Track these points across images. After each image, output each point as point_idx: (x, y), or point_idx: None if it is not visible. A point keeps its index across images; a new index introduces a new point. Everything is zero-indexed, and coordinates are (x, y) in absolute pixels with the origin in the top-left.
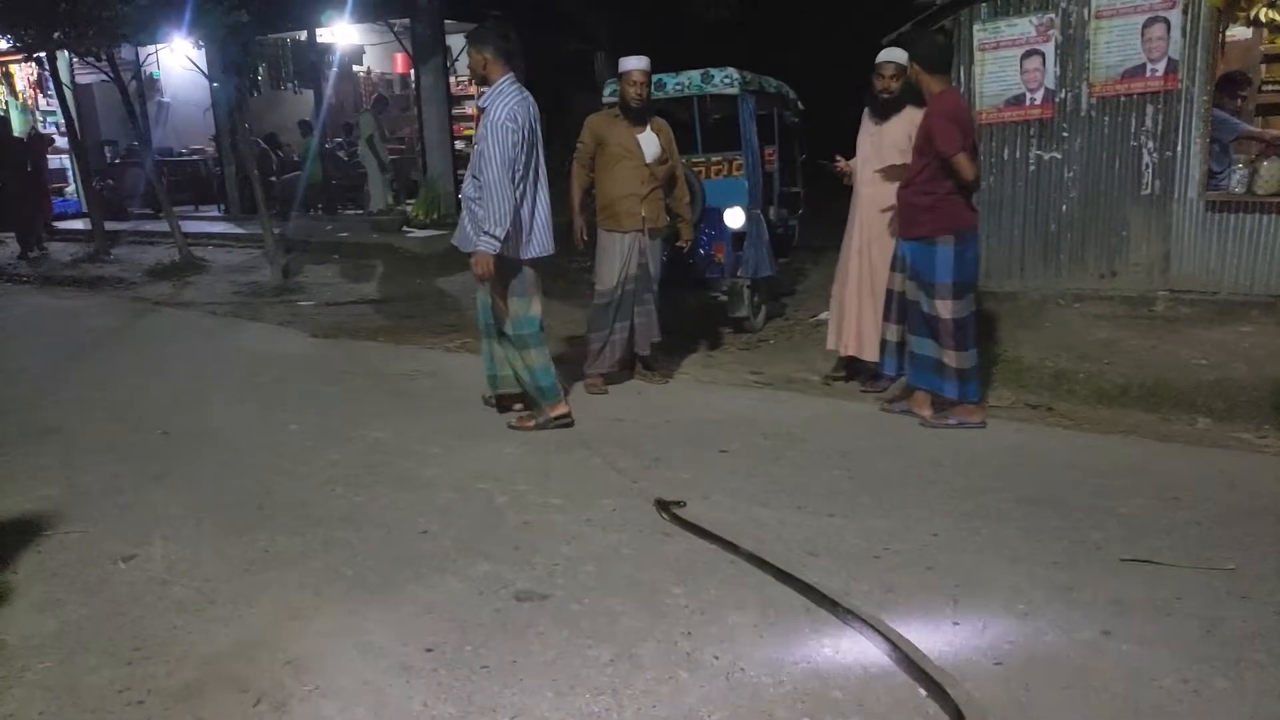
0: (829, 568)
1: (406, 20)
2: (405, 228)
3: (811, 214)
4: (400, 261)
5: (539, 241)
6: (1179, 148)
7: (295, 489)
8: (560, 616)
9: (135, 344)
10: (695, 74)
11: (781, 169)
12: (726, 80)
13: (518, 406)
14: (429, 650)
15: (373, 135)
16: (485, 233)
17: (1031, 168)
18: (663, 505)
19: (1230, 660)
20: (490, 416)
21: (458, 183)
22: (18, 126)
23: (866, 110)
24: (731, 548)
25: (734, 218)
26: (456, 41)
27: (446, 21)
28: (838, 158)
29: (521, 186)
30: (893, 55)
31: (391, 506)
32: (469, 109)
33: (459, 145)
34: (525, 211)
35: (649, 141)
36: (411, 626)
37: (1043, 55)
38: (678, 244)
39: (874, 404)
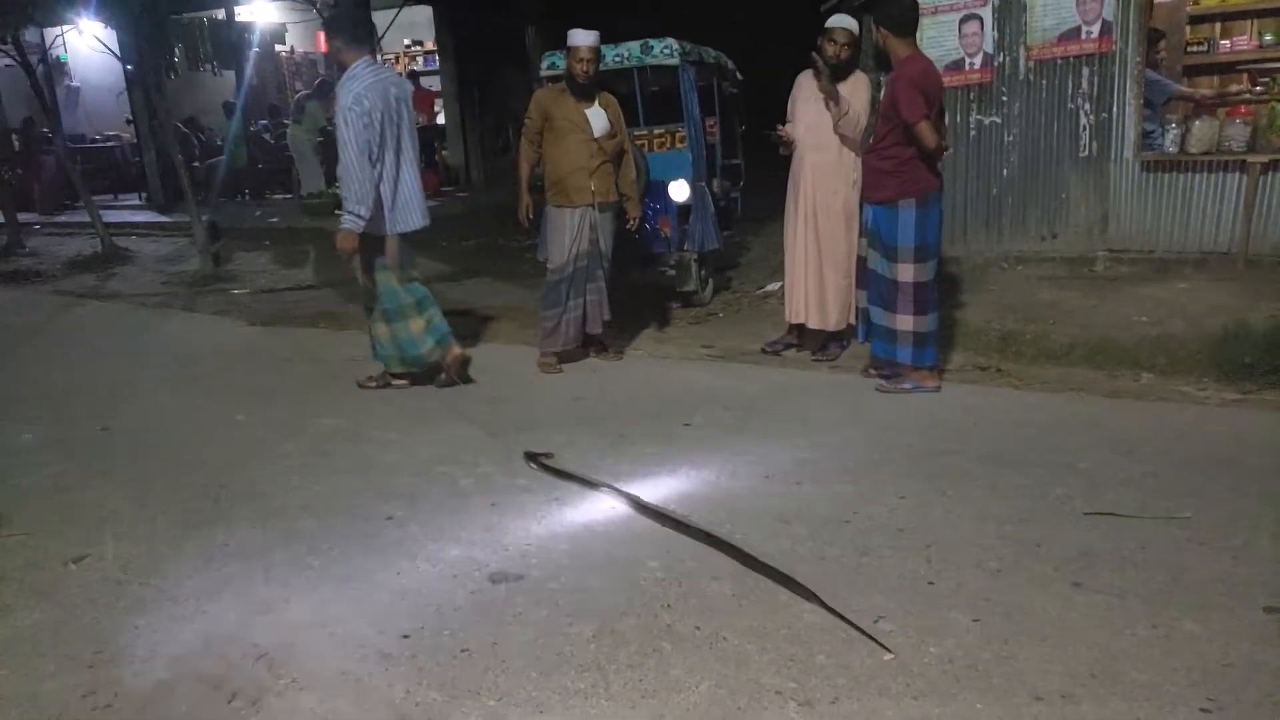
0: (801, 534)
1: None
2: (337, 211)
3: (751, 186)
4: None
5: (404, 216)
6: (1114, 109)
7: (250, 481)
8: (538, 596)
9: (62, 339)
10: (634, 45)
11: (722, 140)
12: (666, 51)
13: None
14: (406, 636)
15: (324, 126)
16: (348, 211)
17: (972, 133)
18: (531, 457)
19: (1195, 604)
20: (443, 400)
21: None
22: None
23: (804, 75)
24: (623, 496)
25: (679, 191)
26: (383, 18)
27: None
28: (779, 126)
29: (379, 165)
30: (844, 22)
31: (352, 494)
32: None
33: None
34: (386, 189)
35: (597, 116)
36: (386, 614)
37: (981, 19)
38: (625, 223)
39: (828, 372)
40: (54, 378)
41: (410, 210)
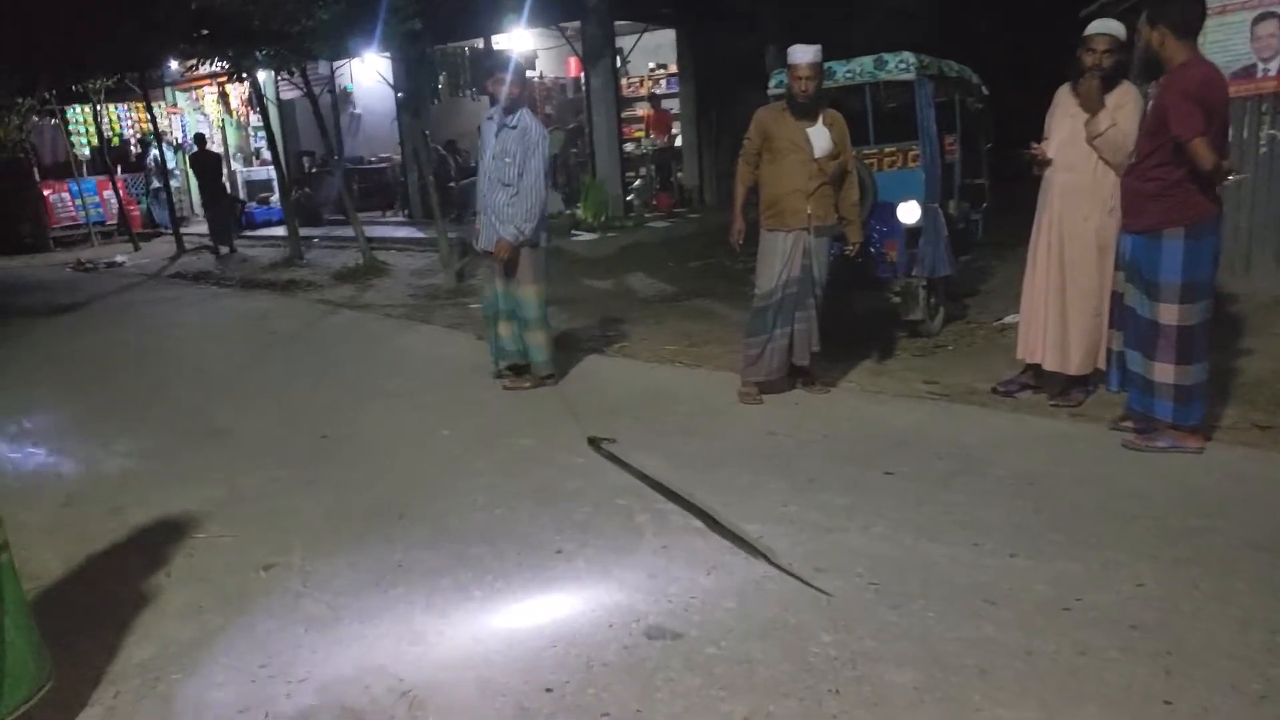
0: (1007, 619)
1: (577, 23)
2: (574, 231)
3: (999, 207)
4: (567, 264)
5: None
6: None
7: (437, 498)
8: (693, 660)
9: (311, 346)
10: (868, 60)
11: (964, 159)
12: (902, 65)
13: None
14: (549, 690)
15: (557, 155)
16: (516, 227)
17: (1263, 149)
18: (594, 442)
19: None
20: (641, 426)
21: (625, 185)
22: (232, 142)
23: (1064, 88)
24: (670, 495)
25: (908, 212)
26: (627, 43)
27: (616, 23)
28: (1033, 144)
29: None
30: (1107, 27)
31: (529, 521)
32: (639, 110)
33: (628, 147)
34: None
35: (819, 135)
36: (534, 661)
37: (1279, 18)
38: (845, 249)
39: (1068, 421)
40: (294, 384)
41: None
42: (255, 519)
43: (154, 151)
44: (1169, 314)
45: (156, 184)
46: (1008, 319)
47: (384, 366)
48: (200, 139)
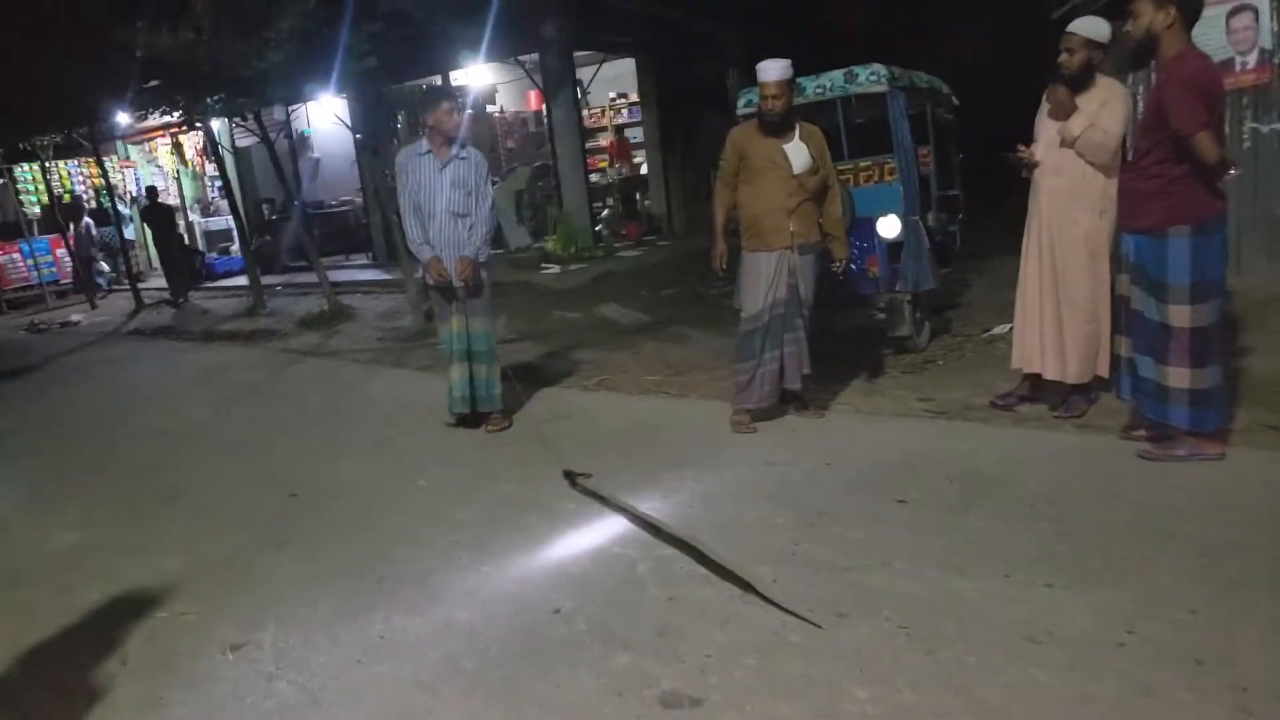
0: (1057, 660)
1: (536, 56)
2: (543, 264)
3: (973, 218)
4: (539, 297)
5: None
6: None
7: (419, 556)
8: None
9: (276, 397)
10: (838, 74)
11: (938, 170)
12: (873, 78)
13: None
14: None
15: (523, 190)
16: (490, 250)
17: (1246, 144)
18: (570, 477)
19: None
20: (631, 463)
21: (593, 215)
22: (189, 193)
23: (1049, 92)
24: (672, 539)
25: (888, 227)
26: (586, 73)
27: (576, 54)
28: (1020, 147)
29: None
30: (1081, 26)
31: (520, 578)
32: (602, 140)
33: (593, 178)
34: None
35: (797, 151)
36: None
37: (1255, 10)
38: (832, 266)
39: (1075, 433)
40: (258, 438)
41: None
42: (221, 591)
43: (86, 219)
44: (1180, 316)
45: (91, 252)
46: (996, 330)
47: (353, 415)
48: (152, 191)
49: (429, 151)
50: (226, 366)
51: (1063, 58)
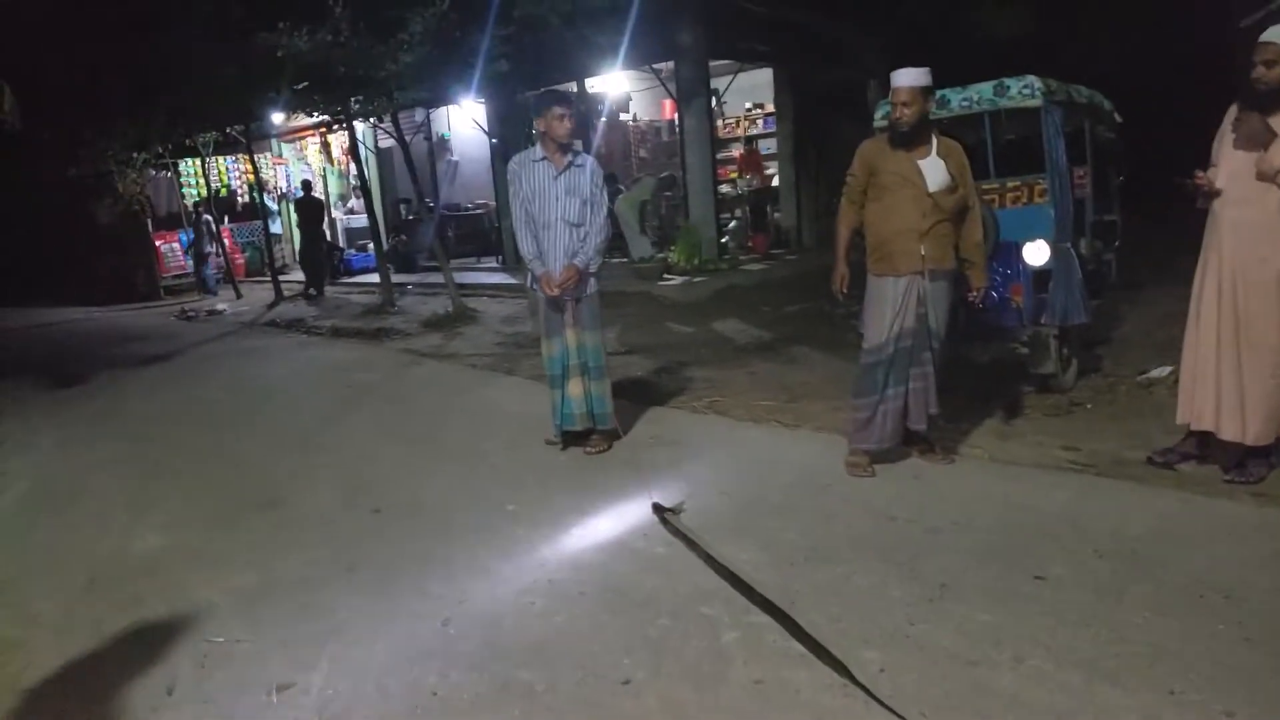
0: None
1: (671, 64)
2: (665, 275)
3: (1129, 244)
4: (657, 309)
5: None
6: None
7: (491, 598)
8: None
9: (389, 400)
10: (987, 86)
11: (1094, 193)
12: (1026, 91)
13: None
14: None
15: (647, 200)
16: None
17: None
18: (659, 510)
19: None
20: (732, 502)
21: (720, 228)
22: (334, 190)
23: (1233, 112)
24: (766, 605)
25: (1036, 253)
26: (722, 83)
27: (712, 63)
28: (1198, 173)
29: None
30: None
31: (593, 634)
32: (735, 151)
33: (723, 189)
34: None
35: (933, 168)
36: None
37: None
38: (969, 295)
39: (1252, 504)
40: (359, 446)
41: None
42: (282, 618)
43: (205, 215)
44: None
45: (209, 249)
46: (1154, 373)
47: (458, 423)
48: (307, 185)
49: (544, 158)
50: (348, 365)
51: (1258, 71)
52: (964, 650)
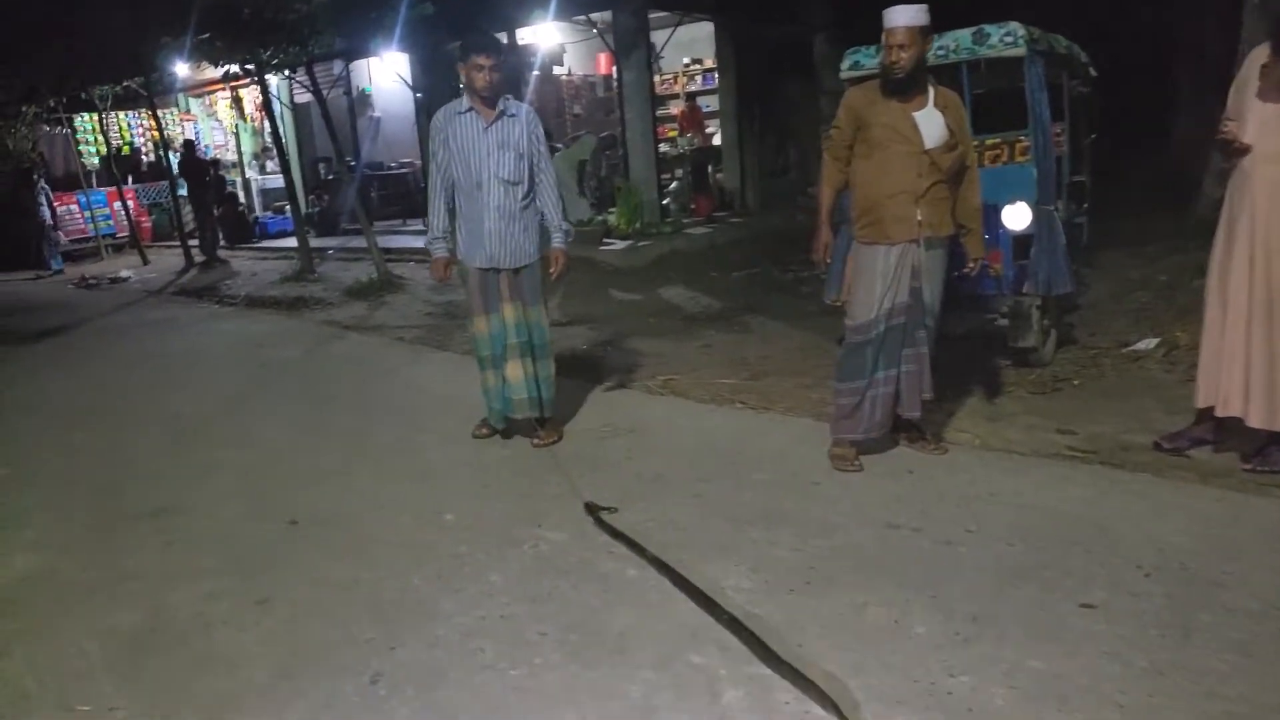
0: None
1: (608, 14)
2: (605, 240)
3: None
4: (599, 276)
5: None
6: None
7: (429, 643)
8: None
9: (306, 382)
10: (965, 33)
11: (1069, 152)
12: (1009, 39)
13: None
14: None
15: (586, 160)
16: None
17: None
18: (592, 510)
19: None
20: (709, 508)
21: (661, 189)
22: (248, 148)
23: (1258, 55)
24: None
25: (1017, 216)
26: (660, 37)
27: (651, 15)
28: (1224, 124)
29: None
30: None
31: (561, 696)
32: (673, 109)
33: (662, 148)
34: None
35: (931, 121)
36: None
37: None
38: (966, 268)
39: None
40: (270, 438)
41: None
42: (171, 673)
43: (40, 180)
44: None
45: (46, 218)
46: (1140, 345)
47: (386, 410)
48: (189, 145)
49: (470, 109)
50: (262, 339)
51: None
52: (1019, 713)
